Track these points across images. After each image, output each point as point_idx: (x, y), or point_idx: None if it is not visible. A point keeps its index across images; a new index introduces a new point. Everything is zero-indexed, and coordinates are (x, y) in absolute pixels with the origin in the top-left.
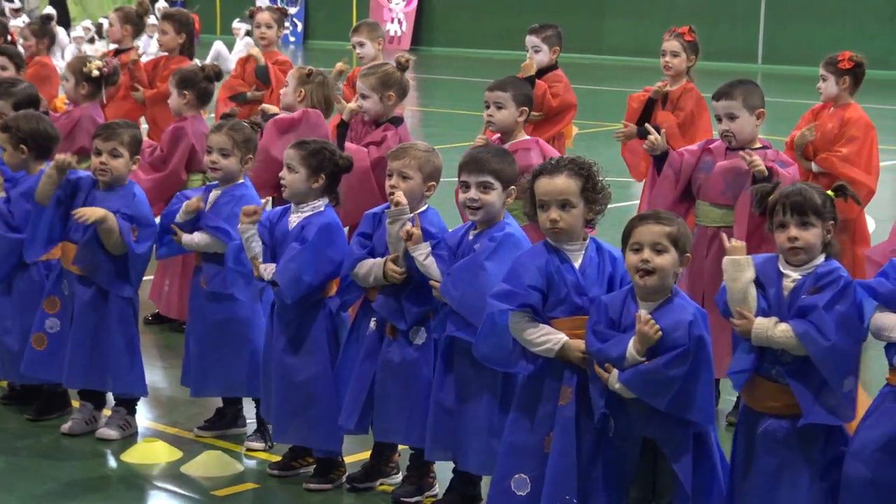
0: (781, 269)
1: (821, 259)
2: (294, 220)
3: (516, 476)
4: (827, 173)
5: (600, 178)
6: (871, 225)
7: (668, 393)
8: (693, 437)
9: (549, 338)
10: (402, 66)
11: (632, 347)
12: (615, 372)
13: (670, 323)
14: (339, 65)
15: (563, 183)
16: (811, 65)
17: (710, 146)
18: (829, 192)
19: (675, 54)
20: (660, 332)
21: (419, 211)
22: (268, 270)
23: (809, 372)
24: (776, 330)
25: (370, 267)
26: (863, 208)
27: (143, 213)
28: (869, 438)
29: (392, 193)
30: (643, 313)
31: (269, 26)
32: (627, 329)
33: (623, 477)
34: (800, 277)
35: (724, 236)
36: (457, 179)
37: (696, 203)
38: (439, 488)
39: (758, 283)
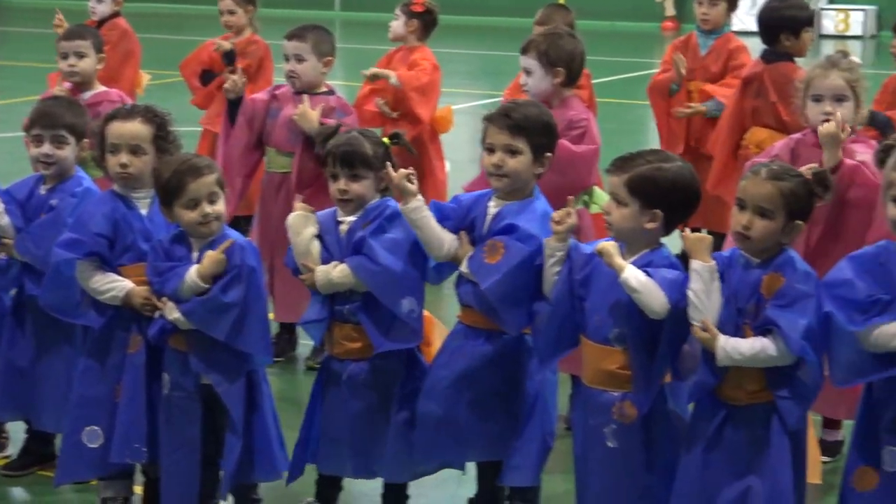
0: (338, 217)
1: (374, 200)
2: None
3: (88, 428)
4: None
5: (172, 129)
6: (447, 167)
7: (226, 321)
8: (246, 381)
9: (114, 285)
10: None
11: (193, 273)
12: (172, 304)
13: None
14: None
15: (135, 128)
16: (389, 12)
17: (277, 92)
18: (385, 139)
19: (231, 12)
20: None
21: None
22: None
23: (377, 305)
24: (335, 272)
25: None
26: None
27: None
28: (440, 377)
29: None
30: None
31: None
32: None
33: (191, 433)
34: (354, 219)
35: None
36: (25, 134)
37: (266, 149)
38: (13, 448)
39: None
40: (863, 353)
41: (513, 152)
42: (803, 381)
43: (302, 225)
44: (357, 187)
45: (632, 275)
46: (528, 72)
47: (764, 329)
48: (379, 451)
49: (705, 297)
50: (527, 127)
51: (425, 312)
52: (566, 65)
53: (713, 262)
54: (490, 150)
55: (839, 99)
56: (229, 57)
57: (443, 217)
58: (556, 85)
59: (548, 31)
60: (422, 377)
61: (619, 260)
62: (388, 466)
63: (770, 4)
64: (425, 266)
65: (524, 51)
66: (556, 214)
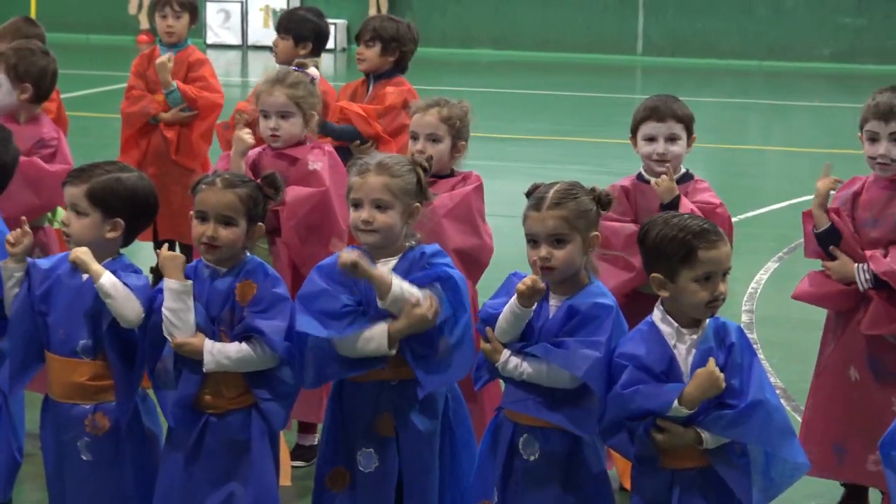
0: None
1: None
2: None
3: None
4: None
5: None
6: None
7: None
8: None
9: None
10: None
11: None
12: None
13: None
14: None
15: None
16: None
17: None
18: None
19: None
20: None
21: None
22: None
23: None
24: None
25: None
26: None
27: None
28: None
29: None
30: None
31: None
32: None
33: None
34: None
35: None
36: None
37: None
38: None
39: None
40: (331, 356)
41: None
42: (285, 382)
43: None
44: None
45: (108, 280)
46: None
47: (243, 335)
48: None
49: (181, 314)
50: None
51: None
52: (35, 81)
53: (188, 281)
54: None
55: (283, 115)
56: None
57: None
58: (24, 101)
59: (20, 46)
60: None
61: (95, 266)
62: None
63: (318, 18)
64: None
65: None
66: (10, 236)
